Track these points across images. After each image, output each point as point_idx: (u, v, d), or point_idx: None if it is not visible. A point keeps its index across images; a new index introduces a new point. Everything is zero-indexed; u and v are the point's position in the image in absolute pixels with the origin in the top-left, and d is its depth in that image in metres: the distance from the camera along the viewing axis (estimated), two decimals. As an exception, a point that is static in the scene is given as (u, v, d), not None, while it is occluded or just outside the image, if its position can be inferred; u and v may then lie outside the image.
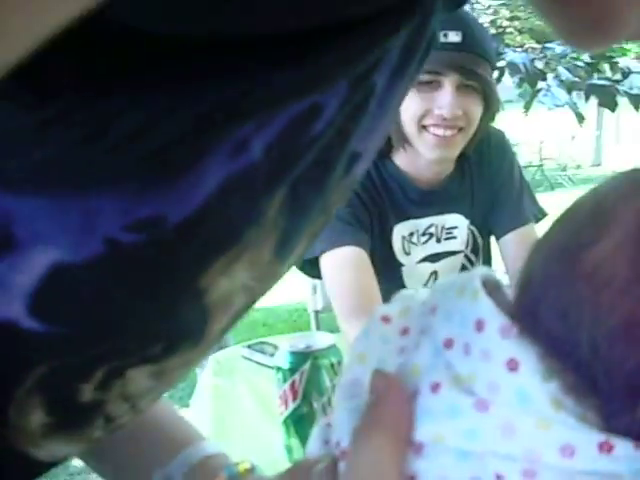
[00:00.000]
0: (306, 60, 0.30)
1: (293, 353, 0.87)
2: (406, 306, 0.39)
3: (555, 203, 1.79)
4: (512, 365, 0.32)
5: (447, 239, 1.70)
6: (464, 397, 0.33)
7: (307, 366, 0.86)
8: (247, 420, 1.11)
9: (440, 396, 0.33)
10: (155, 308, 0.34)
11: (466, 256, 1.74)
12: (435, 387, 0.33)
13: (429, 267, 1.69)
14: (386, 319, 0.39)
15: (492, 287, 0.36)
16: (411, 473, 0.32)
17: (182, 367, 0.41)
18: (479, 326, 0.34)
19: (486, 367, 0.33)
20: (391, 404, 0.35)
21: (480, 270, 0.37)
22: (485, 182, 1.68)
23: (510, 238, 1.75)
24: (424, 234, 1.68)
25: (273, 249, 0.37)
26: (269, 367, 1.20)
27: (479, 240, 1.75)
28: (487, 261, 1.81)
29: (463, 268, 1.75)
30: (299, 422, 0.88)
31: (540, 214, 1.76)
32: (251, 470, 0.55)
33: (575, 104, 5.85)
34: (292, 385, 0.87)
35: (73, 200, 0.29)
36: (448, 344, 0.34)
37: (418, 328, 0.37)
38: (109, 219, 0.29)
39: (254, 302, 0.41)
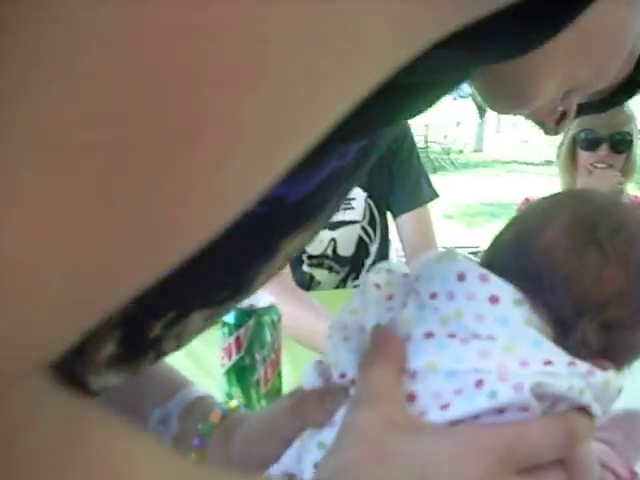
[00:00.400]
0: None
1: (238, 309, 0.96)
2: (390, 277, 0.50)
3: (438, 184, 1.96)
4: (493, 299, 0.45)
5: (345, 209, 1.81)
6: (450, 339, 0.45)
7: (251, 322, 0.95)
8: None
9: (433, 340, 0.45)
10: (245, 261, 0.43)
11: (363, 227, 1.87)
12: (428, 335, 0.45)
13: (328, 234, 1.80)
14: (377, 286, 0.50)
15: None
16: (409, 393, 0.44)
17: (225, 313, 0.50)
18: (461, 277, 0.46)
19: (471, 304, 0.45)
20: (389, 344, 0.46)
21: (453, 250, 0.51)
22: (384, 159, 1.80)
23: (407, 217, 1.90)
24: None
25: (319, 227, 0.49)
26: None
27: (376, 214, 1.88)
28: (384, 236, 1.95)
29: (360, 240, 1.89)
30: (241, 372, 0.97)
31: (434, 195, 1.91)
32: (238, 407, 0.64)
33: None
34: (237, 339, 0.95)
35: None
36: (433, 296, 0.47)
37: (402, 292, 0.49)
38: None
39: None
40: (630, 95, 0.60)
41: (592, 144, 2.17)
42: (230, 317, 0.96)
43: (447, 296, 0.46)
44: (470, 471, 0.41)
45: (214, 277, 0.43)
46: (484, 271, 0.47)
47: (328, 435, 0.45)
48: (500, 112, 0.54)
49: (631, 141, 2.18)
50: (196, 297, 0.44)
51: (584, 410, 0.44)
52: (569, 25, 0.36)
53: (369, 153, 0.50)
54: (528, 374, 0.42)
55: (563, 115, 0.55)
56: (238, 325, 0.95)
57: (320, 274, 1.80)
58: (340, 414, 0.46)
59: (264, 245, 0.45)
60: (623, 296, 0.48)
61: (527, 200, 2.04)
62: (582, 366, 0.44)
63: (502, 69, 0.43)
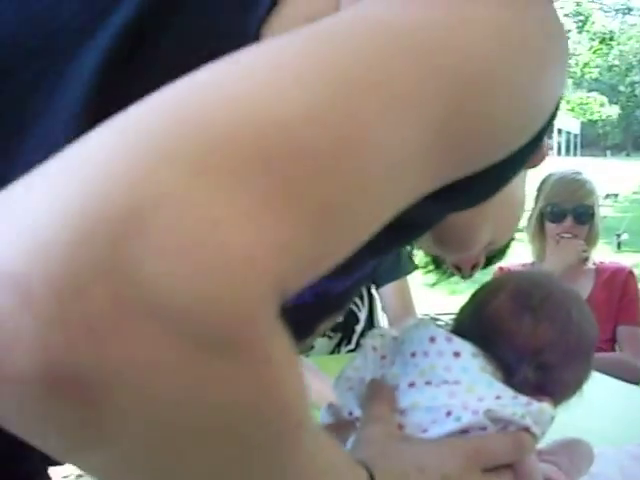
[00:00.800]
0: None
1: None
2: (383, 341, 0.67)
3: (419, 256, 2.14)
4: (456, 354, 0.62)
5: None
6: (427, 385, 0.61)
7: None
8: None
9: (414, 388, 0.62)
10: (296, 336, 0.58)
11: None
12: (411, 384, 0.62)
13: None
14: (374, 348, 0.67)
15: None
16: (399, 424, 0.61)
17: None
18: (432, 339, 0.63)
19: (441, 359, 0.62)
20: (383, 391, 0.62)
21: (427, 319, 0.71)
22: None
23: (389, 288, 2.09)
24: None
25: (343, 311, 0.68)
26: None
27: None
28: (370, 304, 2.13)
29: (351, 312, 2.05)
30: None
31: (413, 268, 2.08)
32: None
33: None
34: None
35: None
36: (413, 355, 0.63)
37: (392, 353, 0.66)
38: (312, 290, 0.49)
39: None
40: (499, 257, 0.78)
41: (558, 216, 2.36)
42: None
43: (423, 354, 0.62)
44: (450, 464, 0.56)
45: None
46: (448, 334, 0.63)
47: None
48: (446, 254, 0.72)
49: (593, 213, 2.37)
50: None
51: (528, 430, 0.60)
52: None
53: (378, 268, 0.66)
54: (483, 405, 0.59)
55: (476, 264, 0.74)
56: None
57: (316, 340, 1.97)
58: (349, 442, 0.61)
59: (307, 329, 0.59)
60: (552, 345, 0.64)
61: (501, 269, 2.19)
62: (522, 398, 0.60)
63: (454, 220, 0.55)
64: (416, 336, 0.63)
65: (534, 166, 0.67)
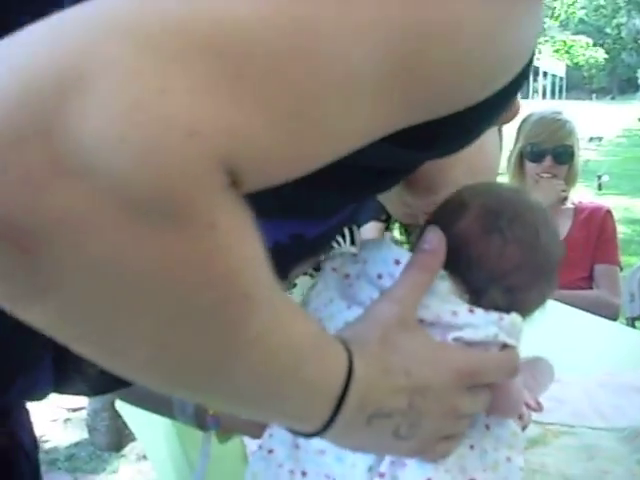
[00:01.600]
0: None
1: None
2: (343, 260, 0.65)
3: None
4: None
5: None
6: None
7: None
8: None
9: None
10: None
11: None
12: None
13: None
14: (334, 269, 0.64)
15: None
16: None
17: None
18: (397, 262, 0.60)
19: None
20: (435, 256, 0.58)
21: (387, 235, 0.68)
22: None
23: (370, 226, 2.11)
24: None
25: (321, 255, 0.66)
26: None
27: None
28: (352, 243, 2.15)
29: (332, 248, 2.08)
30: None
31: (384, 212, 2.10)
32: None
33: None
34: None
35: (269, 221, 0.50)
36: (379, 276, 0.61)
37: (355, 273, 0.64)
38: (285, 231, 0.53)
39: None
40: None
41: (537, 156, 2.37)
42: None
43: (389, 276, 0.60)
44: (440, 378, 0.54)
45: None
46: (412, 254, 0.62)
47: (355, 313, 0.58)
48: (413, 198, 0.71)
49: (572, 153, 2.38)
50: None
51: (506, 346, 0.60)
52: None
53: (356, 212, 0.63)
54: (456, 325, 0.58)
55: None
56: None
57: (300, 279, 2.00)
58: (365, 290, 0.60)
59: (283, 269, 0.57)
60: (521, 267, 0.63)
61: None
62: (493, 315, 0.59)
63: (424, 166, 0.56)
64: (379, 257, 0.61)
65: (507, 122, 0.67)
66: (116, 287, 0.30)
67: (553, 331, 1.55)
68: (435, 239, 0.58)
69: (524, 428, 0.81)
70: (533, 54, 0.50)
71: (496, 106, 0.49)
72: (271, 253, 0.44)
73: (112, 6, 0.30)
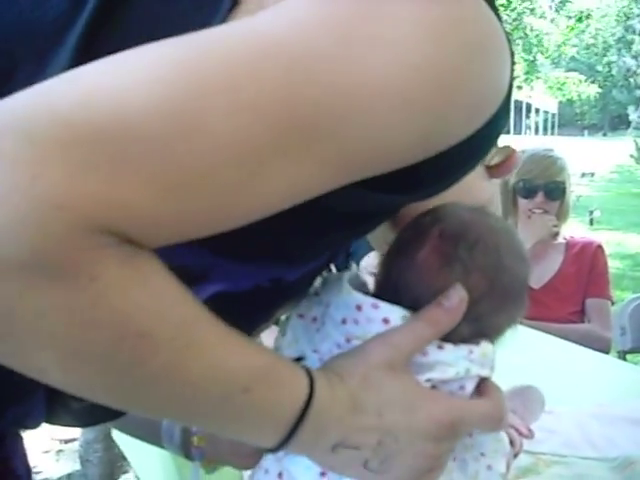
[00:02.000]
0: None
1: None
2: (309, 303, 0.63)
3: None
4: (386, 321, 0.57)
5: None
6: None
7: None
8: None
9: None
10: (251, 321, 0.59)
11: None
12: (348, 339, 0.59)
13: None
14: (301, 316, 0.63)
15: (357, 283, 0.63)
16: None
17: None
18: (359, 308, 0.58)
19: (372, 326, 0.58)
20: (446, 315, 0.56)
21: (347, 273, 0.64)
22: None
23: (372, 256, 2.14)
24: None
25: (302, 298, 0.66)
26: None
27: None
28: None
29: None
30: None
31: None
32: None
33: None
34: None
35: (250, 265, 0.53)
36: (344, 321, 0.59)
37: (320, 316, 0.61)
38: (264, 276, 0.55)
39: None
40: None
41: (529, 192, 2.41)
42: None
43: (353, 322, 0.58)
44: (417, 425, 0.54)
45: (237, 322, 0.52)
46: (374, 300, 0.58)
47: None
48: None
49: (564, 189, 2.42)
50: None
51: (481, 379, 0.59)
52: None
53: (334, 258, 0.64)
54: (427, 364, 0.57)
55: None
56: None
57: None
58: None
59: (266, 311, 0.61)
60: (486, 295, 0.59)
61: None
62: (463, 349, 0.58)
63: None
64: (341, 301, 0.60)
65: (502, 176, 0.68)
66: (20, 325, 0.38)
67: (546, 363, 1.57)
68: (456, 298, 0.57)
69: (516, 456, 0.83)
70: (509, 96, 0.52)
71: (474, 149, 0.51)
72: (252, 295, 0.52)
73: (12, 104, 0.37)
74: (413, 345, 0.56)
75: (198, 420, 0.51)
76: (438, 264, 0.58)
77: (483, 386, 0.61)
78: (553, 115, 45.47)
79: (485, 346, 0.60)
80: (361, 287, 0.63)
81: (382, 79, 0.42)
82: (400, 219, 0.63)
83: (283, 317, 0.66)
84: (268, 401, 0.48)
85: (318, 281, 0.64)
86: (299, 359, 0.60)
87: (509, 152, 0.68)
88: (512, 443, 0.80)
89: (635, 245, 8.54)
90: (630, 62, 43.44)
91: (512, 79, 0.52)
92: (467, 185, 0.58)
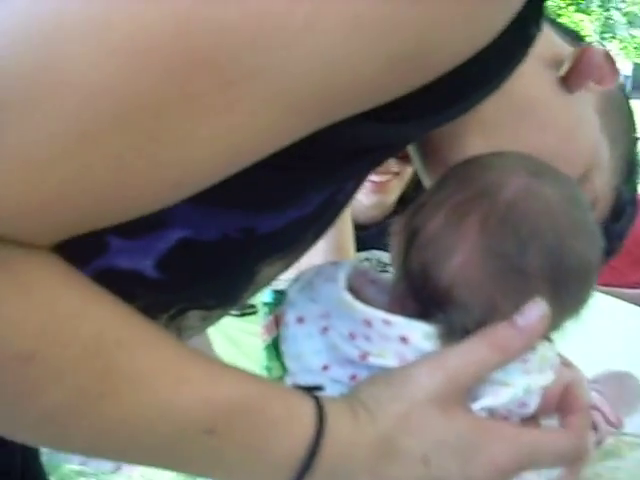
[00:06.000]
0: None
1: (276, 291, 1.07)
2: (305, 307, 0.54)
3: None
4: (404, 340, 0.47)
5: (381, 271, 1.87)
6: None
7: (288, 301, 1.06)
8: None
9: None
10: (227, 277, 0.51)
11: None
12: (363, 356, 0.49)
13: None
14: (300, 320, 0.55)
15: (356, 277, 0.54)
16: None
17: (217, 318, 0.58)
18: (367, 324, 0.49)
19: (389, 344, 0.48)
20: (515, 338, 0.45)
21: (343, 265, 0.54)
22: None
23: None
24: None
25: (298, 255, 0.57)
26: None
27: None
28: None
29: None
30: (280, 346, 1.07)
31: None
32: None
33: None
34: (276, 317, 1.06)
35: (211, 210, 0.44)
36: (352, 336, 0.50)
37: (317, 316, 0.53)
38: (231, 224, 0.46)
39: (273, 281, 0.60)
40: None
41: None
42: (269, 297, 1.07)
43: (364, 338, 0.48)
44: (473, 472, 0.44)
45: (202, 286, 0.50)
46: (385, 315, 0.48)
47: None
48: (424, 172, 0.61)
49: None
50: (189, 300, 0.51)
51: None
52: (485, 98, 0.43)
53: (329, 207, 0.53)
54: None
55: None
56: (276, 304, 1.06)
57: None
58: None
59: (241, 266, 0.51)
60: (547, 294, 0.47)
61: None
62: (515, 365, 0.47)
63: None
64: (345, 314, 0.50)
65: (583, 82, 0.55)
66: None
67: (620, 332, 1.46)
68: (534, 314, 0.45)
69: (599, 444, 0.72)
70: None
71: (490, 63, 0.41)
72: (219, 246, 0.45)
73: None
74: (473, 376, 0.45)
75: (155, 463, 0.43)
76: (481, 275, 0.46)
77: (565, 402, 0.49)
78: (627, 77, 43.90)
79: (542, 349, 0.48)
80: (363, 285, 0.54)
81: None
82: (429, 152, 0.55)
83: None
84: (245, 444, 0.40)
85: (311, 270, 0.55)
86: (316, 388, 0.49)
87: (578, 52, 0.54)
88: (596, 428, 0.68)
89: None
90: None
91: None
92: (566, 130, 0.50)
